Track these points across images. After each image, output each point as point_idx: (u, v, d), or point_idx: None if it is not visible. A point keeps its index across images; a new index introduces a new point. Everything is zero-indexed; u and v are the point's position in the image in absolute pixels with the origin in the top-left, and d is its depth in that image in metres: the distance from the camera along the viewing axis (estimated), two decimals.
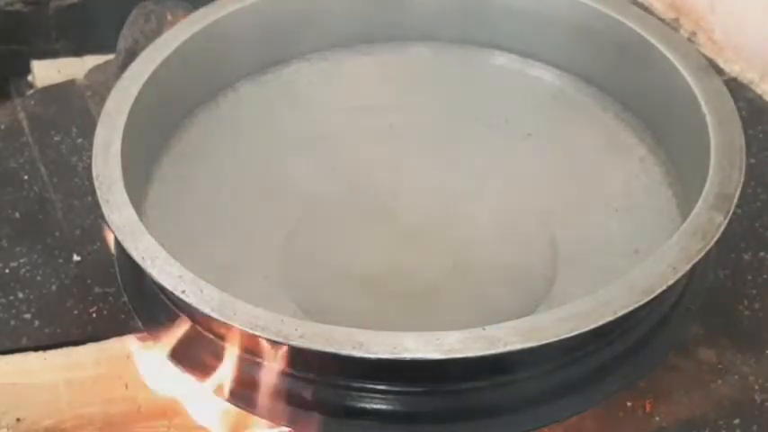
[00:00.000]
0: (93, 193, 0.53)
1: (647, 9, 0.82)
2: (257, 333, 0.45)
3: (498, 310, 0.54)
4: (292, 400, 0.50)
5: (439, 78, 0.71)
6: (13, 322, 0.64)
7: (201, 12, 0.66)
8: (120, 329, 0.63)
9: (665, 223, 0.59)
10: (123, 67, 0.66)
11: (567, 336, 0.45)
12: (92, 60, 0.88)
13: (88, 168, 0.56)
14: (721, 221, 0.51)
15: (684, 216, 0.52)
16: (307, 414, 0.50)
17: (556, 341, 0.45)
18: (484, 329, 0.45)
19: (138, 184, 0.57)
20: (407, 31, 0.72)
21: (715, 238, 0.50)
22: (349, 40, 0.71)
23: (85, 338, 0.63)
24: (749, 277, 0.64)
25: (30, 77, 0.92)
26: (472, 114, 0.70)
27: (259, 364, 0.50)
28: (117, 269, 0.59)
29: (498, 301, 0.59)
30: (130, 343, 0.61)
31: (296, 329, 0.45)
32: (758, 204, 0.69)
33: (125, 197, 0.53)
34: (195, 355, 0.52)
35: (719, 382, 0.58)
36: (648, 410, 0.57)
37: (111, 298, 0.65)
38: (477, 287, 0.61)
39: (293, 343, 0.45)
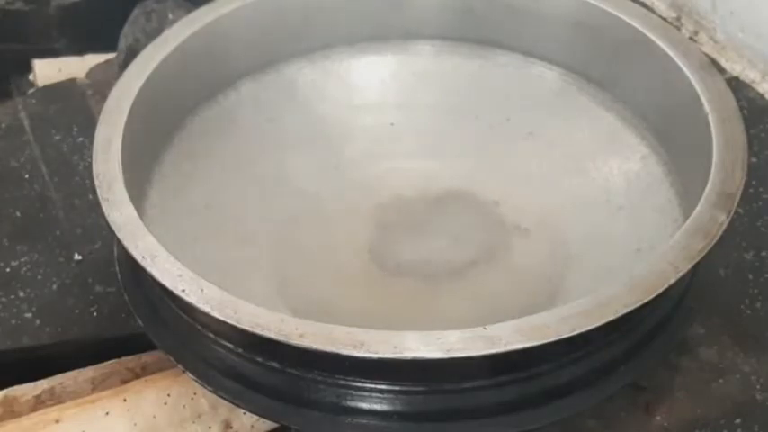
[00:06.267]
0: (94, 191, 0.53)
1: (648, 8, 0.81)
2: (258, 332, 0.45)
3: (500, 309, 0.54)
4: (291, 397, 0.50)
5: (440, 77, 0.71)
6: (13, 321, 0.64)
7: (202, 10, 0.66)
8: (120, 329, 0.63)
9: (666, 222, 0.59)
10: (124, 65, 0.66)
11: (569, 335, 0.45)
12: (93, 59, 0.88)
13: (89, 167, 0.56)
14: (723, 220, 0.50)
15: (686, 215, 0.52)
16: (306, 412, 0.49)
17: (557, 340, 0.45)
18: (485, 329, 0.45)
19: (138, 182, 0.57)
20: (409, 30, 0.71)
21: (717, 238, 0.50)
22: (350, 38, 0.71)
23: (87, 337, 0.63)
24: (750, 276, 0.64)
25: (31, 76, 0.92)
26: (473, 113, 0.70)
27: (258, 362, 0.50)
28: (117, 268, 0.59)
29: (500, 301, 0.59)
30: None
31: (296, 328, 0.45)
32: (760, 203, 0.69)
33: (125, 196, 0.53)
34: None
35: (721, 381, 0.58)
36: (649, 410, 0.57)
37: (111, 297, 0.65)
38: (478, 287, 0.61)
39: (294, 342, 0.45)
